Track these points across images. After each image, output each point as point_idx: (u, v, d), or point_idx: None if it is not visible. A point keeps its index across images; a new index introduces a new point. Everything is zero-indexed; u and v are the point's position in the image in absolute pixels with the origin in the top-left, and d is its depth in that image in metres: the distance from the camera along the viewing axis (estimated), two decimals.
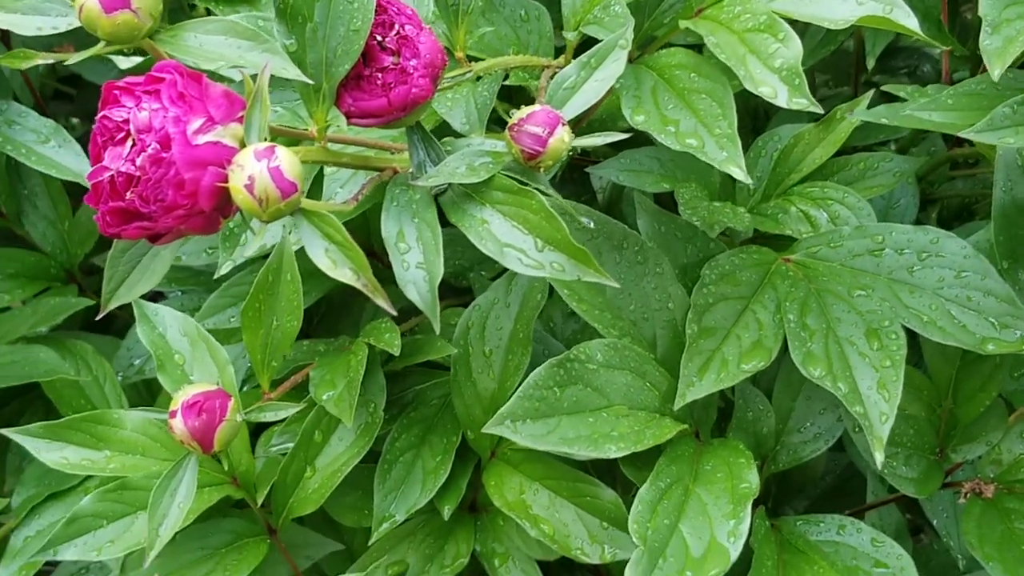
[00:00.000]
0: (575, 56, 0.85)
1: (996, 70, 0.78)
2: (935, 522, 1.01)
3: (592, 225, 0.82)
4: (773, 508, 1.06)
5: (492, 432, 0.81)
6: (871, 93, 0.99)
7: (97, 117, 0.61)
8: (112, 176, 0.60)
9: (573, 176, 1.16)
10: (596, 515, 0.88)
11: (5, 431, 0.88)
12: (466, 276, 1.09)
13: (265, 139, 0.61)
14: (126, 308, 1.22)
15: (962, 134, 0.81)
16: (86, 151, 1.04)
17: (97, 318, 0.73)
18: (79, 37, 1.18)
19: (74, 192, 1.18)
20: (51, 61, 0.87)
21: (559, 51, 1.01)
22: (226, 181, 0.60)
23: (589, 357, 0.84)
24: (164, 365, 0.87)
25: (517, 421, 0.81)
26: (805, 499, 1.11)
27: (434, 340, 0.93)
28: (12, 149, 1.00)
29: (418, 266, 0.68)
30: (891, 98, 1.02)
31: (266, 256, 0.99)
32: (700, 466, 0.84)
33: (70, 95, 1.40)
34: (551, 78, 0.85)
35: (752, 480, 0.82)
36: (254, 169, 0.59)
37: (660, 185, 0.98)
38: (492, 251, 0.68)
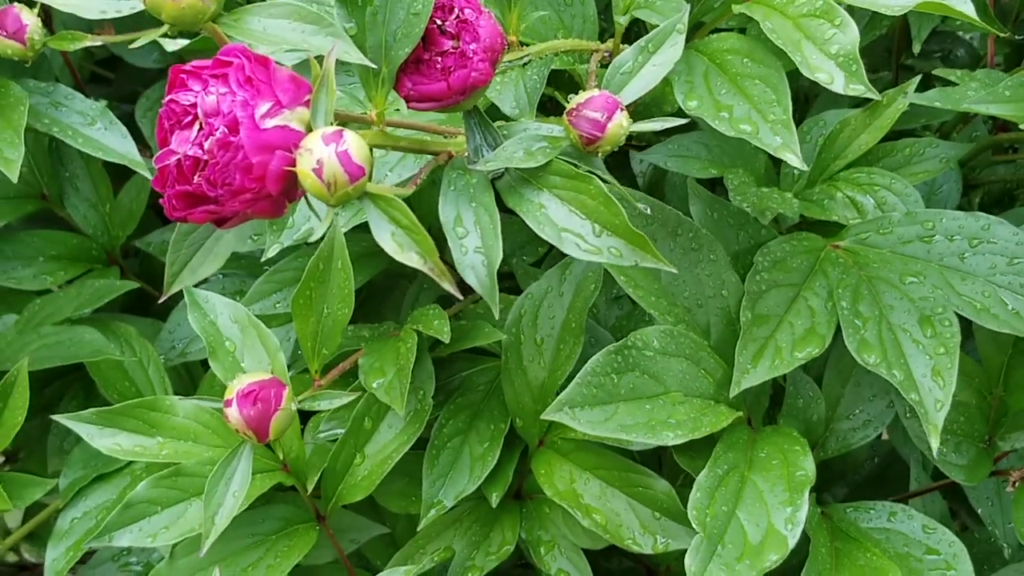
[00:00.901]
0: (623, 40, 0.84)
1: None
2: (979, 510, 1.01)
3: (649, 212, 0.82)
4: (816, 495, 1.06)
5: (551, 418, 0.80)
6: (918, 79, 0.98)
7: (164, 101, 0.61)
8: (179, 160, 0.59)
9: (610, 160, 1.15)
10: (648, 505, 0.88)
11: (58, 417, 0.88)
12: (508, 262, 1.08)
13: (331, 123, 0.60)
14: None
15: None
16: (130, 132, 1.04)
17: (160, 301, 0.73)
18: (119, 19, 1.19)
19: (115, 174, 1.18)
20: (99, 43, 0.86)
21: (602, 37, 1.00)
22: (293, 165, 0.59)
23: (646, 344, 0.84)
24: (216, 352, 0.87)
25: (575, 408, 0.80)
26: (846, 486, 1.11)
27: (482, 326, 0.93)
28: (59, 131, 0.99)
29: (476, 250, 0.67)
30: (929, 83, 1.01)
31: (312, 243, 0.99)
32: (755, 453, 0.84)
33: (107, 78, 1.39)
34: (599, 62, 0.85)
35: (808, 468, 0.82)
36: (323, 153, 0.58)
37: (708, 171, 0.98)
38: (550, 236, 0.67)
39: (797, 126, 1.04)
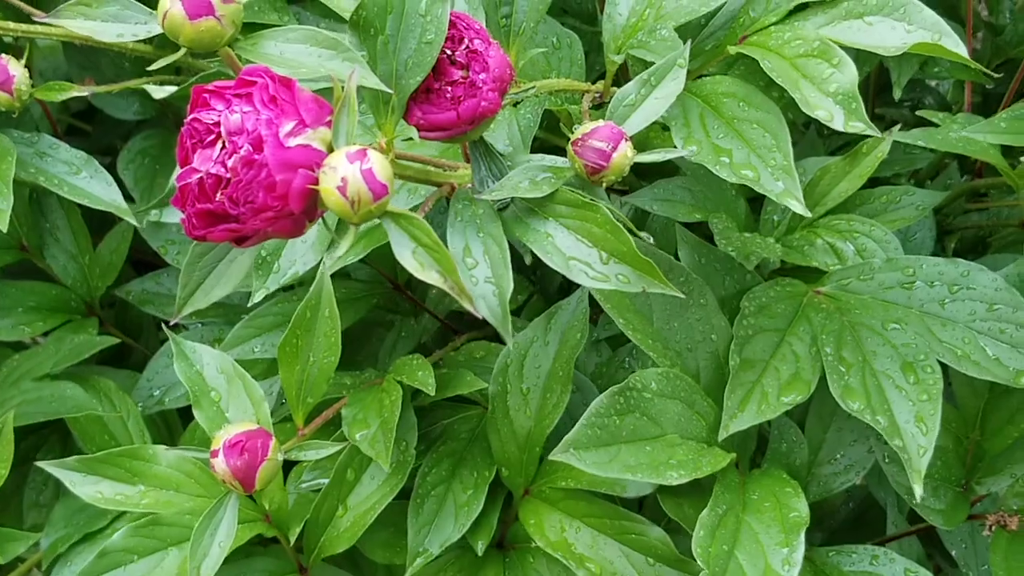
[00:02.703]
0: (614, 81, 0.85)
1: None
2: (954, 553, 1.02)
3: (652, 241, 0.82)
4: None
5: (559, 459, 0.81)
6: (897, 127, 1.00)
7: (186, 120, 0.61)
8: (202, 178, 0.59)
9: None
10: (642, 552, 0.88)
11: (43, 464, 0.87)
12: None
13: (353, 143, 0.61)
14: (143, 341, 1.22)
15: None
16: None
17: (171, 323, 0.74)
18: (101, 71, 1.19)
19: (94, 226, 1.18)
20: (85, 93, 0.87)
21: (590, 77, 1.01)
22: (316, 183, 0.60)
23: (645, 386, 0.85)
24: (200, 401, 0.87)
25: (581, 450, 0.81)
26: (823, 531, 1.11)
27: (464, 375, 0.93)
28: (45, 180, 0.99)
29: (487, 280, 0.68)
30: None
31: (293, 287, 0.99)
32: (747, 496, 0.85)
33: (85, 131, 1.39)
34: (591, 103, 0.86)
35: (802, 509, 0.83)
36: (347, 171, 0.59)
37: (693, 215, 0.98)
38: (558, 264, 0.68)
39: None
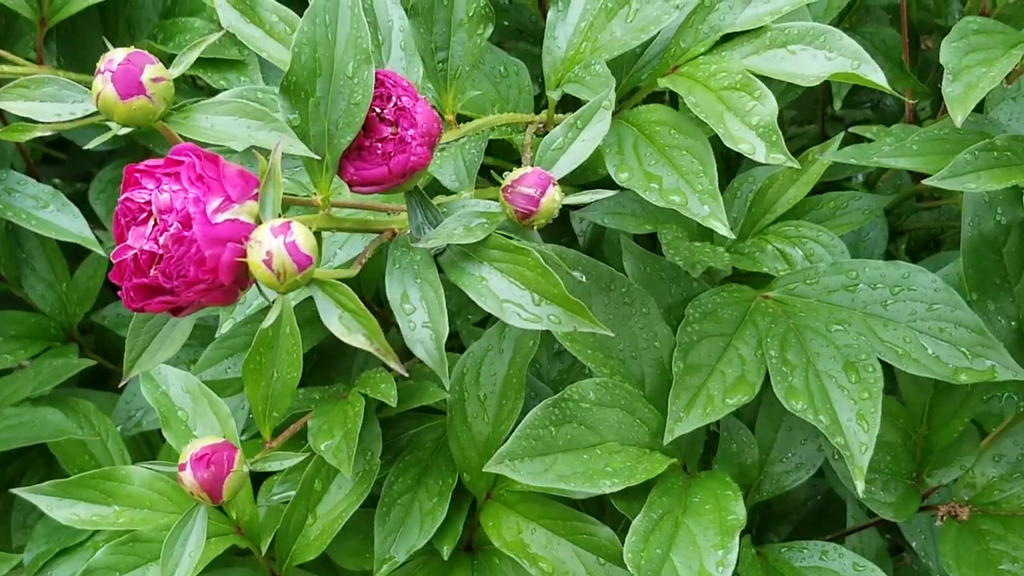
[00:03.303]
0: (557, 111, 0.88)
1: (959, 116, 0.82)
2: (913, 544, 1.04)
3: (584, 279, 0.86)
4: (757, 535, 1.09)
5: (493, 471, 0.84)
6: (840, 136, 1.03)
7: (120, 199, 0.64)
8: (136, 254, 0.63)
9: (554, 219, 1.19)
10: (593, 551, 0.91)
11: (17, 490, 0.91)
12: (453, 322, 1.12)
13: (279, 215, 0.64)
14: (122, 363, 1.25)
15: (926, 182, 0.86)
16: (81, 212, 1.07)
17: (120, 385, 0.76)
18: None
19: (70, 253, 1.21)
20: (49, 133, 0.90)
21: (538, 102, 1.04)
22: (244, 256, 0.63)
23: (582, 396, 0.87)
24: (168, 422, 0.90)
25: (515, 460, 0.84)
26: (788, 525, 1.14)
27: (427, 386, 0.96)
28: (13, 215, 1.03)
29: (424, 325, 0.71)
30: (860, 136, 1.06)
31: (263, 311, 1.02)
32: (689, 498, 0.87)
33: (59, 159, 1.43)
34: (535, 133, 0.89)
35: (739, 512, 0.85)
36: (271, 245, 0.62)
37: (643, 227, 1.01)
38: (492, 307, 0.71)
39: (729, 182, 1.10)
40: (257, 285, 0.65)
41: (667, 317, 0.93)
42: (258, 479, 0.97)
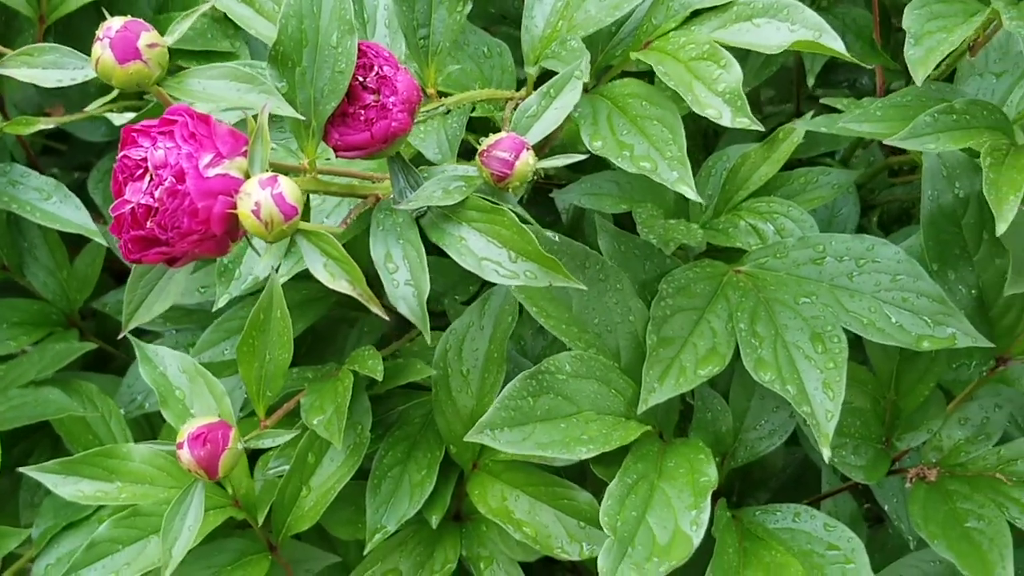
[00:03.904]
0: (535, 88, 0.92)
1: (920, 76, 0.86)
2: (886, 507, 1.07)
3: (556, 238, 0.90)
4: (737, 501, 1.13)
5: (474, 440, 0.88)
6: (811, 113, 1.07)
7: (118, 157, 0.69)
8: (133, 208, 0.68)
9: (539, 199, 1.23)
10: (574, 516, 0.95)
11: (25, 469, 0.95)
12: (440, 301, 1.16)
13: (267, 170, 0.69)
14: (123, 349, 1.30)
15: (887, 141, 0.89)
16: (82, 201, 1.11)
17: (119, 337, 0.81)
18: (69, 97, 1.26)
19: (70, 242, 1.26)
20: (52, 126, 0.94)
21: (520, 83, 1.08)
22: (235, 208, 0.68)
23: (559, 368, 0.91)
24: (167, 400, 0.94)
25: (496, 429, 0.88)
26: (767, 492, 1.18)
27: (414, 363, 1.01)
28: (18, 207, 1.07)
29: (407, 283, 0.76)
30: (834, 111, 1.09)
31: (258, 292, 1.06)
32: (664, 463, 0.91)
33: (59, 150, 1.46)
34: (515, 109, 0.93)
35: (711, 473, 0.89)
36: (260, 196, 0.67)
37: (619, 206, 1.05)
38: (471, 265, 0.75)
39: (704, 161, 1.14)
40: (248, 238, 0.70)
41: (641, 293, 0.97)
42: (255, 455, 1.01)
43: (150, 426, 1.22)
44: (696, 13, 0.89)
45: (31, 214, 1.07)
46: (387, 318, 0.74)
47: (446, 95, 0.92)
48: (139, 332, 1.21)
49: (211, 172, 0.68)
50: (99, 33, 0.71)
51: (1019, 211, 0.85)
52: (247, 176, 0.69)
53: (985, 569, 0.90)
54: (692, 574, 0.89)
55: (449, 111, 0.92)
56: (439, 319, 1.16)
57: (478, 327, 0.99)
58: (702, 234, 1.03)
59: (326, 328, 1.18)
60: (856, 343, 0.94)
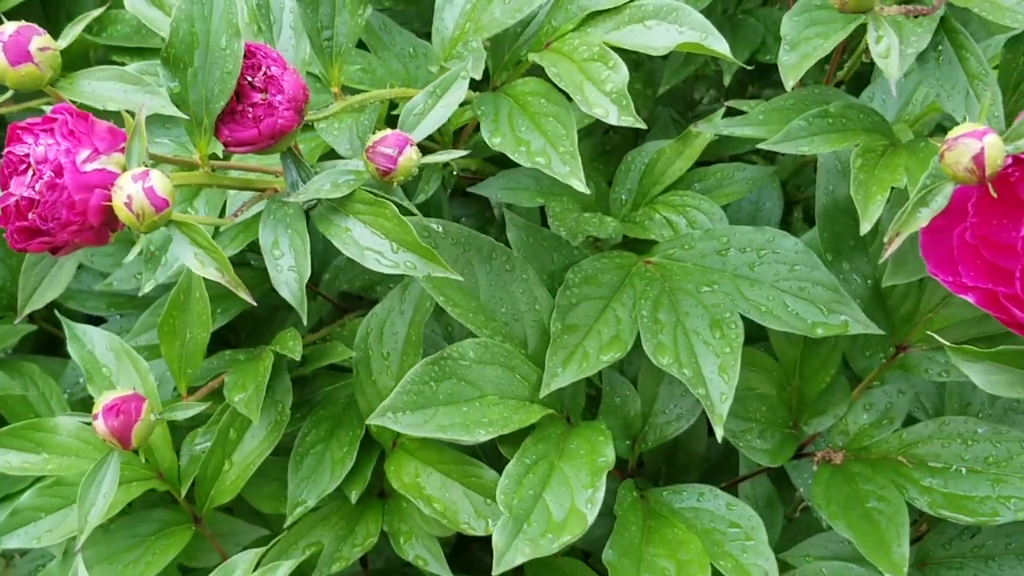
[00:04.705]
0: None
1: (790, 82, 0.89)
2: (801, 489, 1.11)
3: (440, 229, 0.94)
4: (664, 485, 1.17)
5: (375, 423, 0.91)
6: (721, 111, 1.10)
7: (4, 153, 0.75)
8: (17, 201, 0.73)
9: (475, 194, 1.27)
10: (480, 493, 0.99)
11: None
12: (374, 289, 1.20)
13: (144, 164, 0.74)
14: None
15: (762, 146, 0.93)
16: None
17: (15, 323, 0.88)
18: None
19: None
20: None
21: None
22: (111, 201, 0.73)
23: (462, 355, 0.95)
24: (93, 377, 0.99)
25: (397, 412, 0.91)
26: (693, 475, 1.22)
27: (335, 346, 1.06)
28: None
29: (290, 269, 0.81)
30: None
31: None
32: (566, 445, 0.94)
33: None
34: None
35: (609, 454, 0.92)
36: (132, 189, 0.72)
37: (535, 200, 1.08)
38: (354, 254, 0.80)
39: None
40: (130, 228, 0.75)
41: (550, 283, 1.00)
42: (184, 433, 1.06)
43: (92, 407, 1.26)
44: (592, 15, 0.93)
45: None
46: (253, 303, 0.79)
47: (353, 92, 0.97)
48: (91, 319, 1.26)
49: (88, 167, 0.73)
50: None
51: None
52: (125, 171, 0.74)
53: (882, 547, 0.93)
54: None
55: (364, 108, 0.96)
56: (371, 307, 1.20)
57: (399, 311, 1.03)
58: (615, 226, 1.06)
59: (265, 314, 1.22)
60: (764, 332, 0.99)
